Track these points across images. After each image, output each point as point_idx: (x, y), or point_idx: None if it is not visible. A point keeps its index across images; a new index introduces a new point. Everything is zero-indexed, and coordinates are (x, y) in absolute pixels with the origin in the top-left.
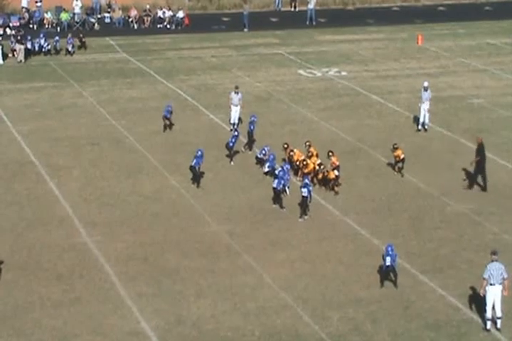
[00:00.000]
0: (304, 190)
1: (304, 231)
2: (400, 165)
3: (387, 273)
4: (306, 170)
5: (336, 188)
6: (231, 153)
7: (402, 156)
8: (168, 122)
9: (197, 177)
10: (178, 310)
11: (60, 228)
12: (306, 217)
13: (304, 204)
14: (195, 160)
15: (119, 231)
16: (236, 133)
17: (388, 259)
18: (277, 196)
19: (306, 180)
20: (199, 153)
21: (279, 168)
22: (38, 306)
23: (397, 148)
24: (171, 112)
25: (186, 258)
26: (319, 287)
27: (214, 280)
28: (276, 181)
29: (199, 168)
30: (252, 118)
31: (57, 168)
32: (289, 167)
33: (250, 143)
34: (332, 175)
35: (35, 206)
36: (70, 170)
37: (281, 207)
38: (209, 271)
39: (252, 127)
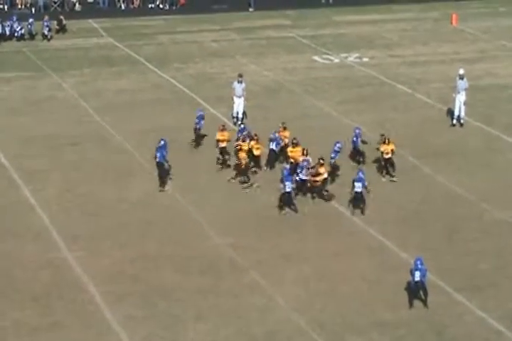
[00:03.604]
0: (287, 184)
1: (319, 243)
2: (387, 165)
3: (416, 291)
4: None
5: (325, 193)
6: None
7: (389, 155)
8: (198, 133)
9: (163, 173)
10: (174, 335)
11: (35, 241)
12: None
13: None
14: (158, 154)
15: (104, 244)
16: (242, 126)
17: (417, 274)
18: (287, 200)
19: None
20: (161, 142)
21: (285, 169)
22: (12, 332)
23: (387, 141)
24: (203, 117)
25: (183, 275)
26: (338, 308)
27: (216, 301)
28: (287, 184)
29: (167, 161)
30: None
31: (32, 171)
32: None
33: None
34: (322, 170)
35: (6, 216)
36: (48, 175)
37: (281, 210)
38: (210, 290)
39: (276, 145)
